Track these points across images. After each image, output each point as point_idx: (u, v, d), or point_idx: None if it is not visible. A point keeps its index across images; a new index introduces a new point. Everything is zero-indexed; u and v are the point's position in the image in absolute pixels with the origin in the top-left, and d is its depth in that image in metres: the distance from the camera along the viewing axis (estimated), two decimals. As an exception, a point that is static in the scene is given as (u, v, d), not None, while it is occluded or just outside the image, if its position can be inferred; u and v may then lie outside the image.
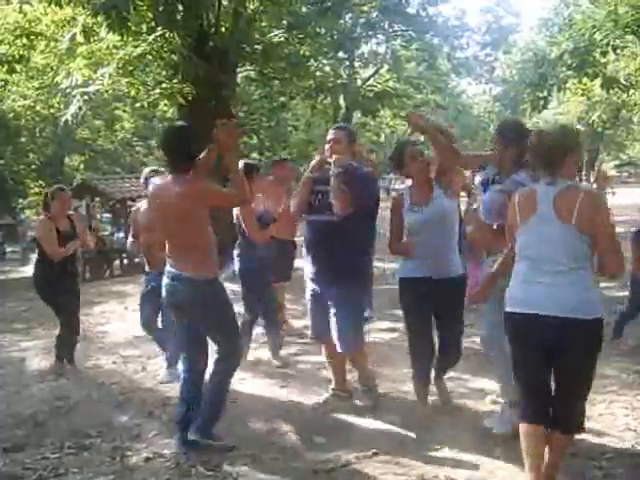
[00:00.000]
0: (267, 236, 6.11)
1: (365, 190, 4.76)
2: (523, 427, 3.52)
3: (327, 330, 4.88)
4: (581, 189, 3.42)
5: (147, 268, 6.22)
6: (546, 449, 3.50)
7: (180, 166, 4.21)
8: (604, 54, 12.24)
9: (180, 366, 4.72)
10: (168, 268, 4.36)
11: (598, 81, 13.16)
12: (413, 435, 4.51)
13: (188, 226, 4.19)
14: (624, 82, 13.27)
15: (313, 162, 5.02)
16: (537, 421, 3.47)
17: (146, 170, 6.24)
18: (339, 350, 4.87)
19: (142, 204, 6.30)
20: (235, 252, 6.40)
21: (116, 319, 9.34)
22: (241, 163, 6.37)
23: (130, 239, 6.60)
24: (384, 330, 7.51)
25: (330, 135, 4.96)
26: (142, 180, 6.00)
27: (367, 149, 8.43)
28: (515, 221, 3.50)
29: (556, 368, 3.46)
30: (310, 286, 5.03)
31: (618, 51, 12.53)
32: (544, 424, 3.46)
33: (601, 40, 11.85)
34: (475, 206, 5.68)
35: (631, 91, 13.99)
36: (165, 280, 4.38)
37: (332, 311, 4.82)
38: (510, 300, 3.51)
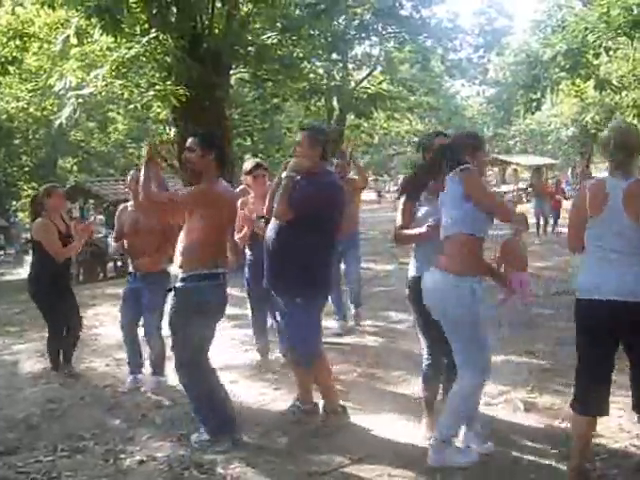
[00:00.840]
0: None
1: (308, 198, 4.48)
2: (581, 419, 3.62)
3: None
4: None
5: (130, 269, 6.19)
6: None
7: None
8: (597, 56, 12.28)
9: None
10: None
11: (591, 83, 13.20)
12: (407, 438, 4.50)
13: None
14: (617, 84, 13.30)
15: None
16: (602, 413, 3.62)
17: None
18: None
19: (129, 204, 6.19)
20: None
21: (109, 322, 9.30)
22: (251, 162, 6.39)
23: (112, 240, 6.62)
24: (378, 332, 7.50)
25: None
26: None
27: (350, 152, 8.32)
28: (585, 212, 3.58)
29: (632, 352, 3.57)
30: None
31: (611, 53, 12.58)
32: (606, 415, 3.64)
33: (594, 42, 11.88)
34: None
35: (624, 93, 14.03)
36: None
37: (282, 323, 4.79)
38: (583, 288, 3.60)
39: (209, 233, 4.40)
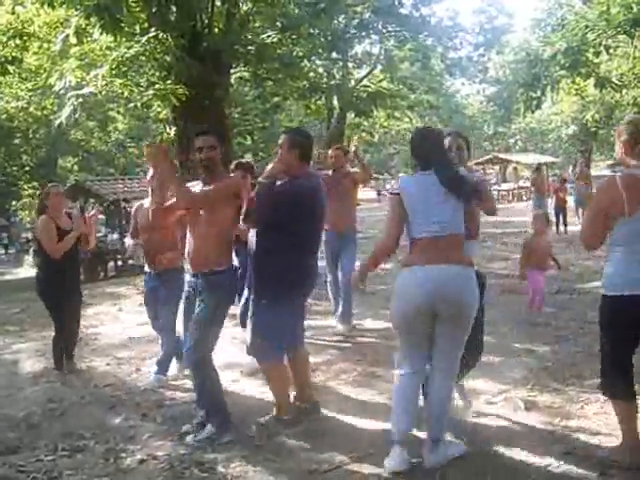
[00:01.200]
0: None
1: (279, 204, 4.47)
2: (621, 404, 3.80)
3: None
4: None
5: (146, 268, 6.20)
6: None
7: None
8: (597, 54, 12.28)
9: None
10: None
11: (591, 81, 13.20)
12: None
13: None
14: (617, 82, 13.30)
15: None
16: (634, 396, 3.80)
17: None
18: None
19: (145, 201, 6.29)
20: None
21: (110, 321, 9.33)
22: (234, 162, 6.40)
23: (129, 239, 6.66)
24: (379, 330, 7.49)
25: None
26: None
27: (355, 149, 8.27)
28: (618, 209, 3.55)
29: None
30: None
31: (611, 51, 12.58)
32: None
33: (594, 40, 11.89)
34: None
35: (624, 91, 14.03)
36: None
37: None
38: (614, 284, 3.66)
39: (232, 224, 4.67)
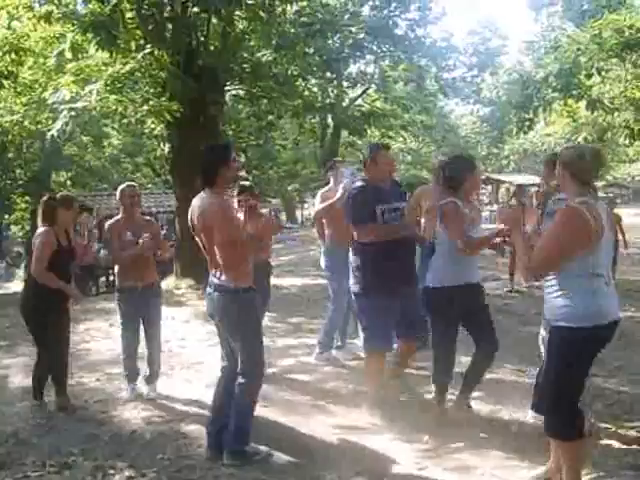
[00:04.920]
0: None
1: None
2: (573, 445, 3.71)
3: None
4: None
5: (128, 284, 6.15)
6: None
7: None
8: (589, 77, 12.40)
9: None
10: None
11: (583, 103, 13.31)
12: (396, 455, 4.50)
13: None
14: (609, 104, 13.42)
15: None
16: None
17: None
18: None
19: (118, 217, 6.24)
20: None
21: (101, 336, 9.28)
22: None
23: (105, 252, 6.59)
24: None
25: None
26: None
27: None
28: (587, 239, 3.49)
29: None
30: None
31: (603, 74, 12.69)
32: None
33: (586, 63, 12.01)
34: None
35: (616, 113, 14.13)
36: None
37: None
38: (595, 315, 3.57)
39: None
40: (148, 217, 6.86)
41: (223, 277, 4.45)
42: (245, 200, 5.54)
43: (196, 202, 4.48)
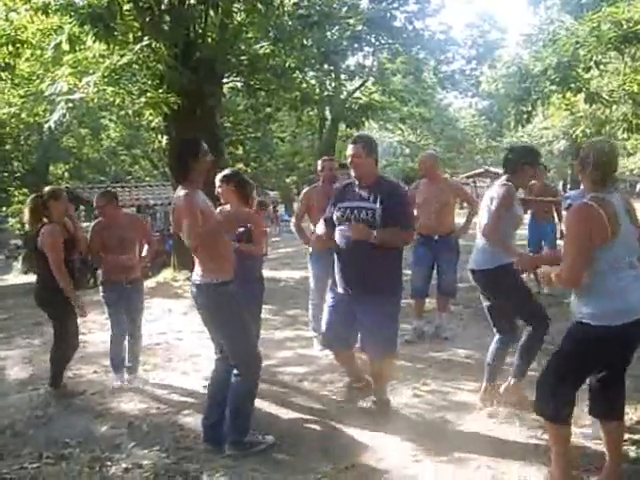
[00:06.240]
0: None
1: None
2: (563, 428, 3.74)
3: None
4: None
5: (112, 279, 6.29)
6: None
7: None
8: (587, 70, 12.35)
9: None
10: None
11: (581, 96, 13.27)
12: (391, 449, 4.51)
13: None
14: (607, 97, 13.38)
15: None
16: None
17: None
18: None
19: (100, 219, 6.37)
20: None
21: (98, 329, 9.28)
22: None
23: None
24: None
25: None
26: None
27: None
28: (606, 236, 3.46)
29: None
30: None
31: (601, 67, 12.66)
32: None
33: (584, 56, 11.96)
34: None
35: (614, 107, 14.10)
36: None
37: None
38: (603, 313, 3.53)
39: None
40: (129, 212, 7.00)
41: (199, 272, 4.49)
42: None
43: (174, 199, 4.53)
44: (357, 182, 5.00)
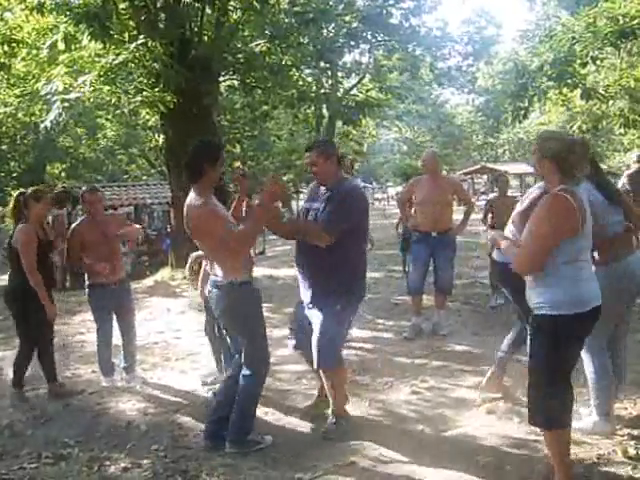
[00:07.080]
0: None
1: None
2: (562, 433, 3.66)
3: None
4: None
5: (100, 280, 6.17)
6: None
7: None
8: (584, 65, 12.34)
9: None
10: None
11: (578, 92, 13.27)
12: (390, 446, 4.51)
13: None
14: (603, 93, 13.38)
15: None
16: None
17: None
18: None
19: (80, 220, 6.39)
20: None
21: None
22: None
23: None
24: (364, 339, 7.49)
25: None
26: None
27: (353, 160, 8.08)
28: (577, 227, 3.47)
29: None
30: None
31: (598, 62, 12.66)
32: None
33: (581, 51, 11.94)
34: None
35: (610, 102, 14.09)
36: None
37: None
38: (576, 302, 3.55)
39: None
40: (111, 211, 7.00)
41: (218, 273, 4.46)
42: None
43: (187, 202, 4.44)
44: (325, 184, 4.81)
